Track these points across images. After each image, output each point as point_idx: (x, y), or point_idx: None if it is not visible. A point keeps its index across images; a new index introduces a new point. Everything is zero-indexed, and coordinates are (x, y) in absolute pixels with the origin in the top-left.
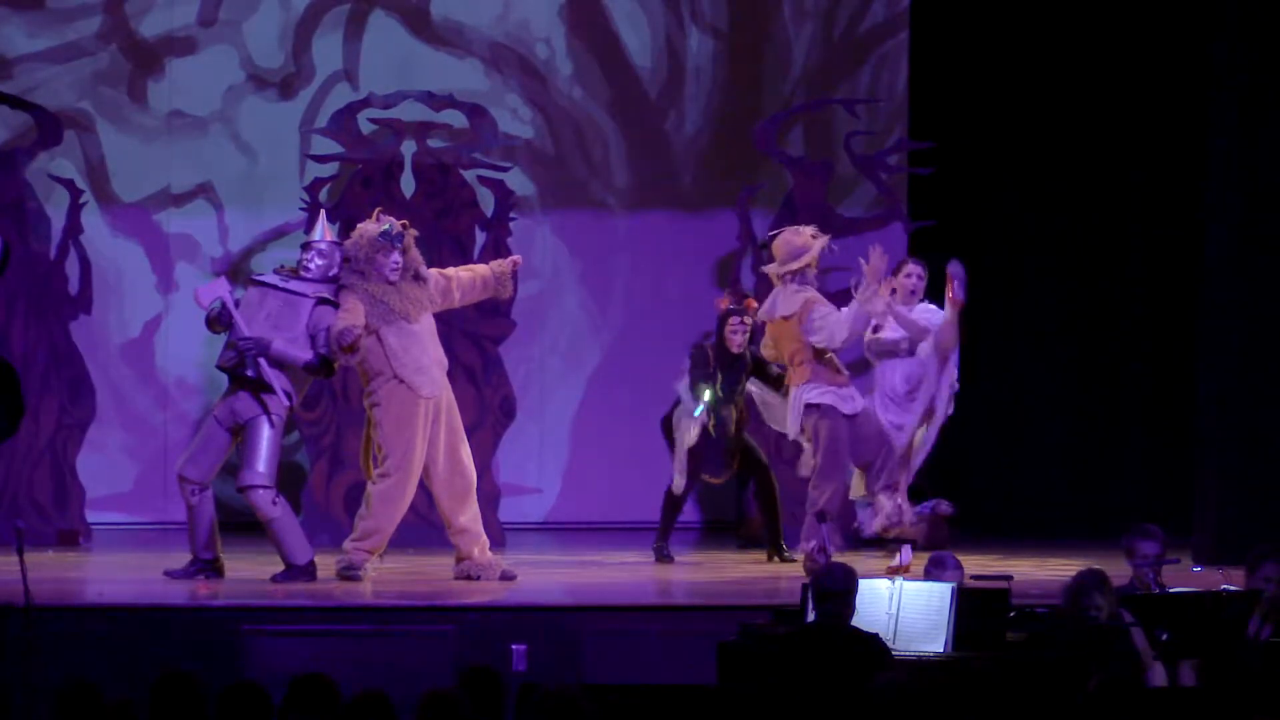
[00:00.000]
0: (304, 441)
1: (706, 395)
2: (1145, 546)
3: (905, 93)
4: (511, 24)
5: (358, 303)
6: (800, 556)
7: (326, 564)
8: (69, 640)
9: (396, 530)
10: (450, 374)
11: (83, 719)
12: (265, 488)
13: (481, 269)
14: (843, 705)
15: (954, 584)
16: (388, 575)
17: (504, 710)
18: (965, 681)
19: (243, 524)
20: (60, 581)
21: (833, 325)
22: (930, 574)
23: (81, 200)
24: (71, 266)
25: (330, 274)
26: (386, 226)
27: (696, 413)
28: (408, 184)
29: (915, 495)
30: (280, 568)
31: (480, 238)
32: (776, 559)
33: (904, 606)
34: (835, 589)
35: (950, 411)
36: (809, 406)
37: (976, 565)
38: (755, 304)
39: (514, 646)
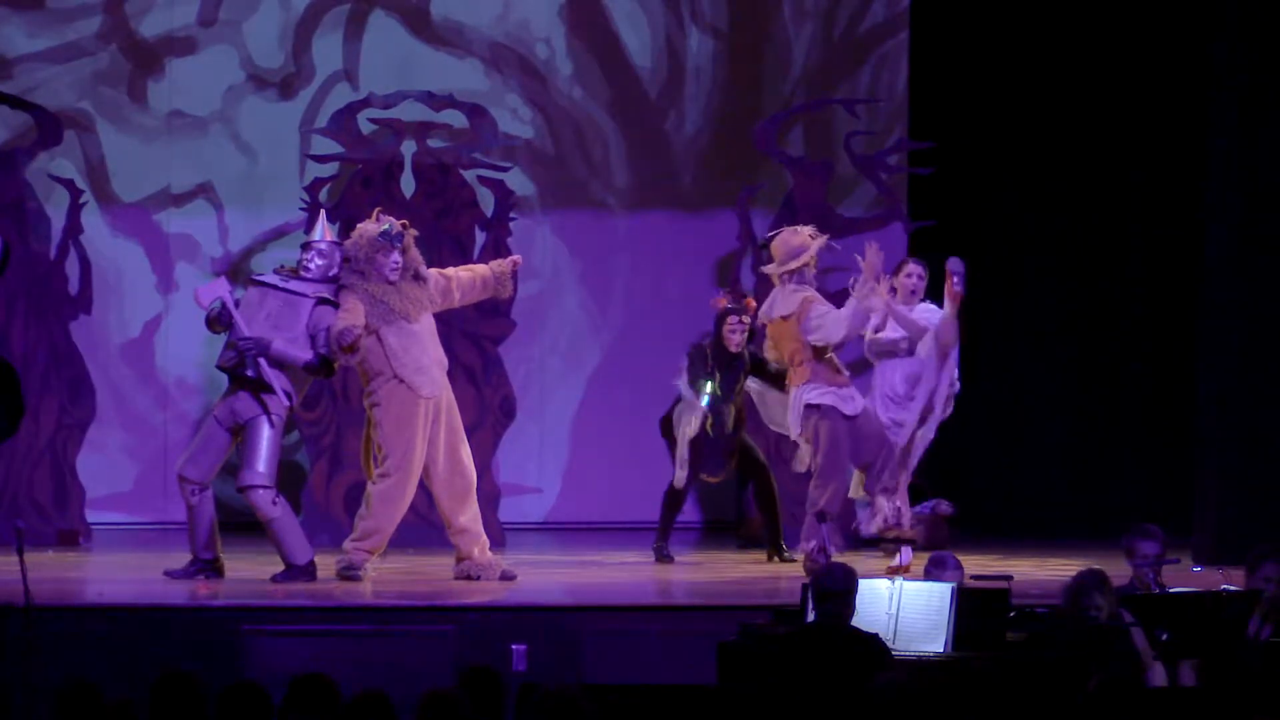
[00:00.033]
0: (304, 441)
1: (709, 387)
2: (1145, 546)
3: (905, 93)
4: (511, 24)
5: (358, 303)
6: (800, 556)
7: (326, 564)
8: (69, 640)
9: (396, 530)
10: (450, 374)
11: (83, 719)
12: (265, 488)
13: (481, 269)
14: (843, 705)
15: (954, 584)
16: (388, 575)
17: (504, 710)
18: (965, 681)
19: (243, 524)
20: (60, 581)
21: (830, 323)
22: (930, 574)
23: (81, 200)
24: (71, 266)
25: (330, 274)
26: (386, 226)
27: (704, 402)
28: (408, 184)
29: (915, 495)
30: (280, 568)
31: (480, 238)
32: (776, 559)
33: (904, 606)
34: (835, 589)
35: (949, 412)
36: (809, 407)
37: (976, 565)
38: (754, 303)
39: (514, 646)
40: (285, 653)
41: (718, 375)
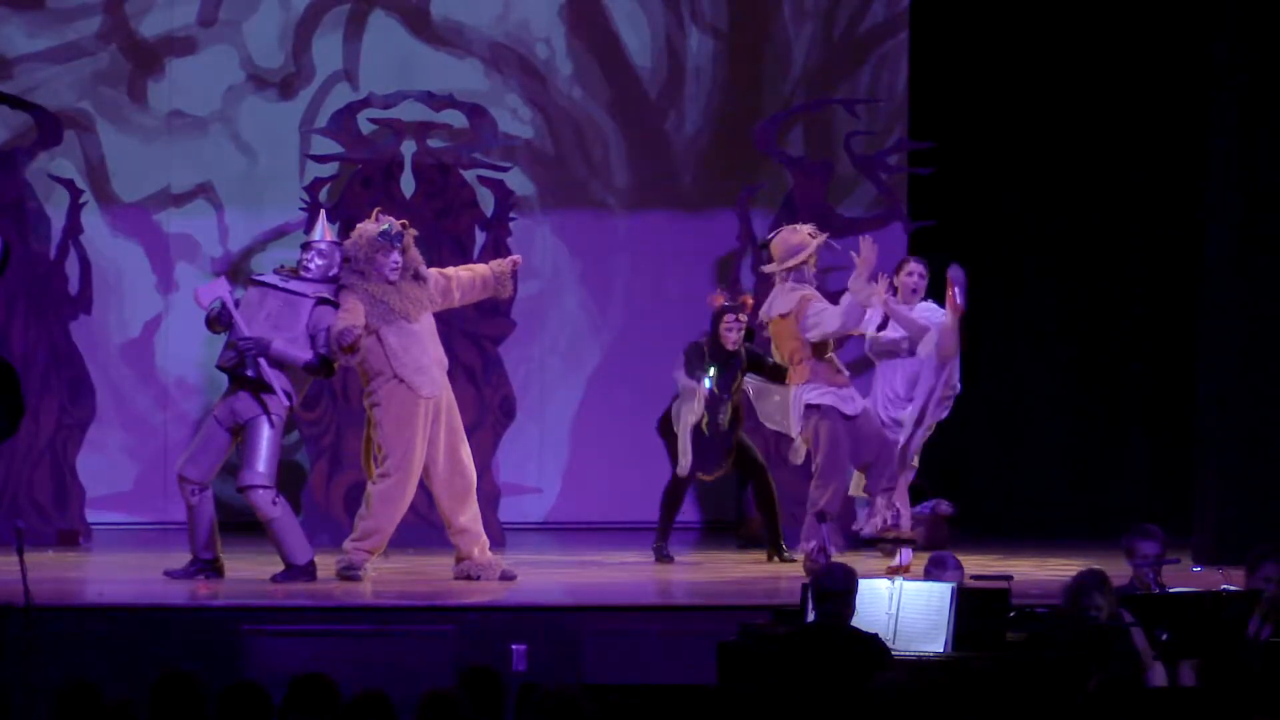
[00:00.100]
0: (304, 441)
1: (712, 372)
2: (1145, 546)
3: (905, 93)
4: (511, 24)
5: (358, 303)
6: (800, 556)
7: (326, 564)
8: (69, 640)
9: (396, 530)
10: (450, 374)
11: (83, 719)
12: (265, 488)
13: (481, 269)
14: (843, 705)
15: (954, 584)
16: (388, 575)
17: (504, 710)
18: (965, 681)
19: (243, 524)
20: (60, 581)
21: (826, 318)
22: (930, 574)
23: (81, 200)
24: (71, 266)
25: (330, 274)
26: (386, 226)
27: (707, 383)
28: (408, 184)
29: (915, 495)
30: (280, 568)
31: (480, 238)
32: (776, 559)
33: (904, 606)
34: (835, 589)
35: (944, 415)
36: (809, 407)
37: (976, 565)
38: (750, 301)
39: (514, 646)
40: (285, 653)
41: (714, 369)
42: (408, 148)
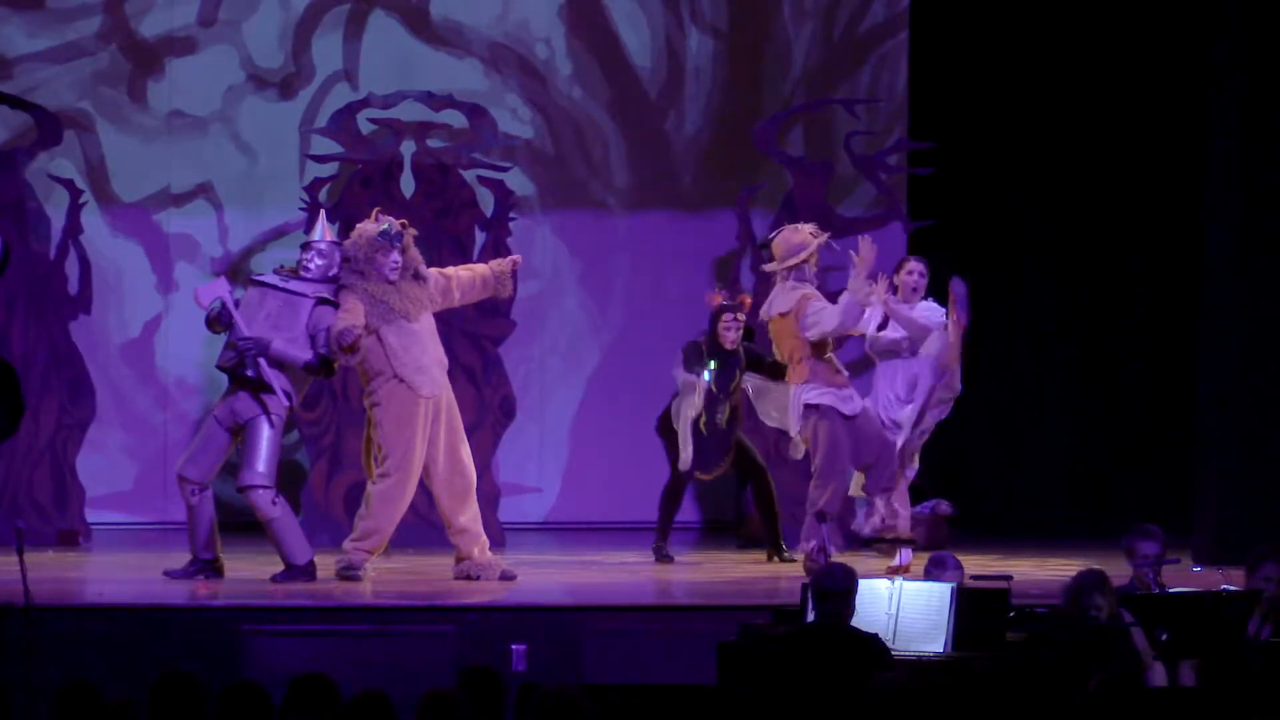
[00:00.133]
0: (304, 441)
1: (712, 365)
2: (1145, 546)
3: (905, 93)
4: (511, 24)
5: (357, 303)
6: (800, 556)
7: (326, 564)
8: (69, 640)
9: (396, 530)
10: (450, 374)
11: (83, 719)
12: (265, 488)
13: (481, 268)
14: (843, 705)
15: (954, 584)
16: (388, 575)
17: (504, 710)
18: (965, 681)
19: (243, 524)
20: (60, 581)
21: (824, 317)
22: (930, 574)
23: (81, 200)
24: (71, 266)
25: (330, 274)
26: (385, 226)
27: (706, 376)
28: (407, 184)
29: (915, 495)
30: (280, 568)
31: (480, 238)
32: (776, 559)
33: (904, 606)
34: (835, 589)
35: (944, 415)
36: (808, 407)
37: (976, 565)
38: (748, 299)
39: (514, 646)
40: (285, 653)
41: (714, 362)
42: (407, 148)
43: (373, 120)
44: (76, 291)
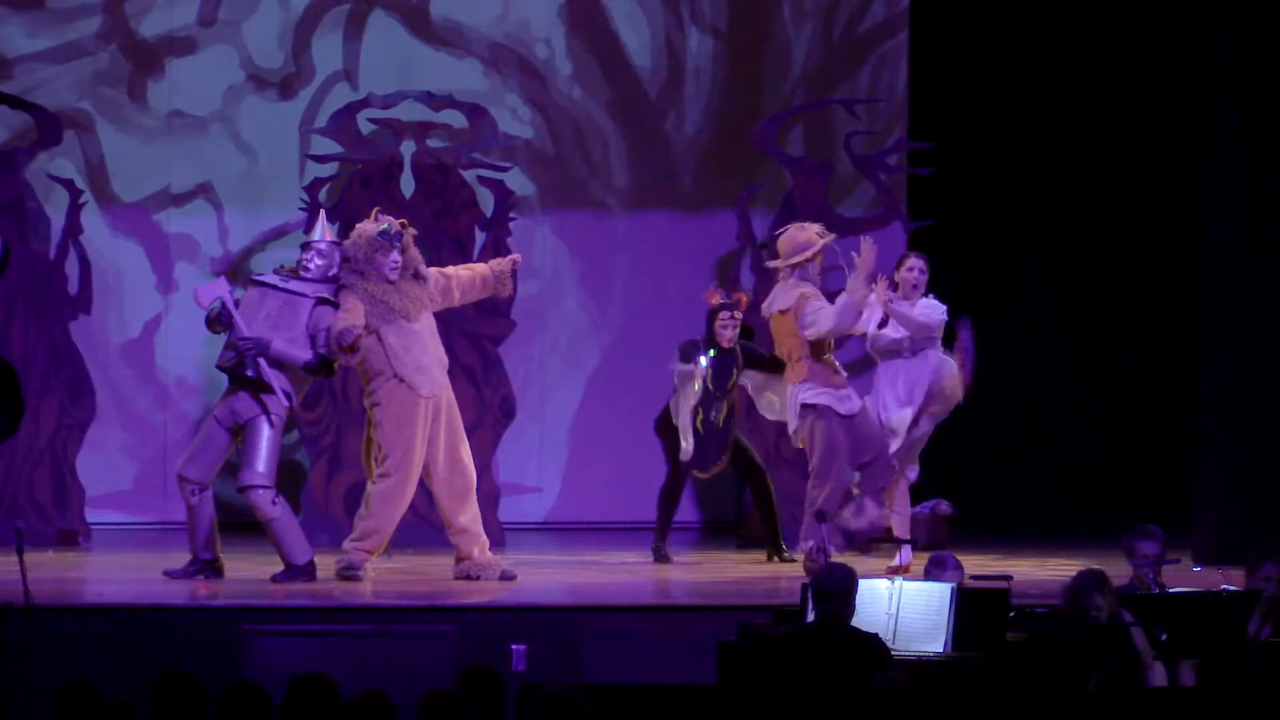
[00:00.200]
0: (304, 441)
1: (711, 352)
2: (1145, 546)
3: (905, 93)
4: (511, 24)
5: (357, 303)
6: (800, 556)
7: (326, 564)
8: (69, 640)
9: (396, 530)
10: (450, 374)
11: (83, 719)
12: (265, 488)
13: (481, 268)
14: (843, 705)
15: (954, 584)
16: (388, 575)
17: (504, 710)
18: (965, 681)
19: (243, 524)
20: (60, 581)
21: (822, 316)
22: (930, 574)
23: (81, 200)
24: (71, 266)
25: (330, 274)
26: (385, 226)
27: (703, 362)
28: (407, 184)
29: (915, 495)
30: (280, 568)
31: (480, 238)
32: (776, 559)
33: (904, 606)
34: (835, 589)
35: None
36: (805, 407)
37: (976, 565)
38: (745, 298)
39: (514, 646)
40: (285, 653)
41: (710, 372)
42: (407, 148)
43: (373, 120)
44: (76, 291)
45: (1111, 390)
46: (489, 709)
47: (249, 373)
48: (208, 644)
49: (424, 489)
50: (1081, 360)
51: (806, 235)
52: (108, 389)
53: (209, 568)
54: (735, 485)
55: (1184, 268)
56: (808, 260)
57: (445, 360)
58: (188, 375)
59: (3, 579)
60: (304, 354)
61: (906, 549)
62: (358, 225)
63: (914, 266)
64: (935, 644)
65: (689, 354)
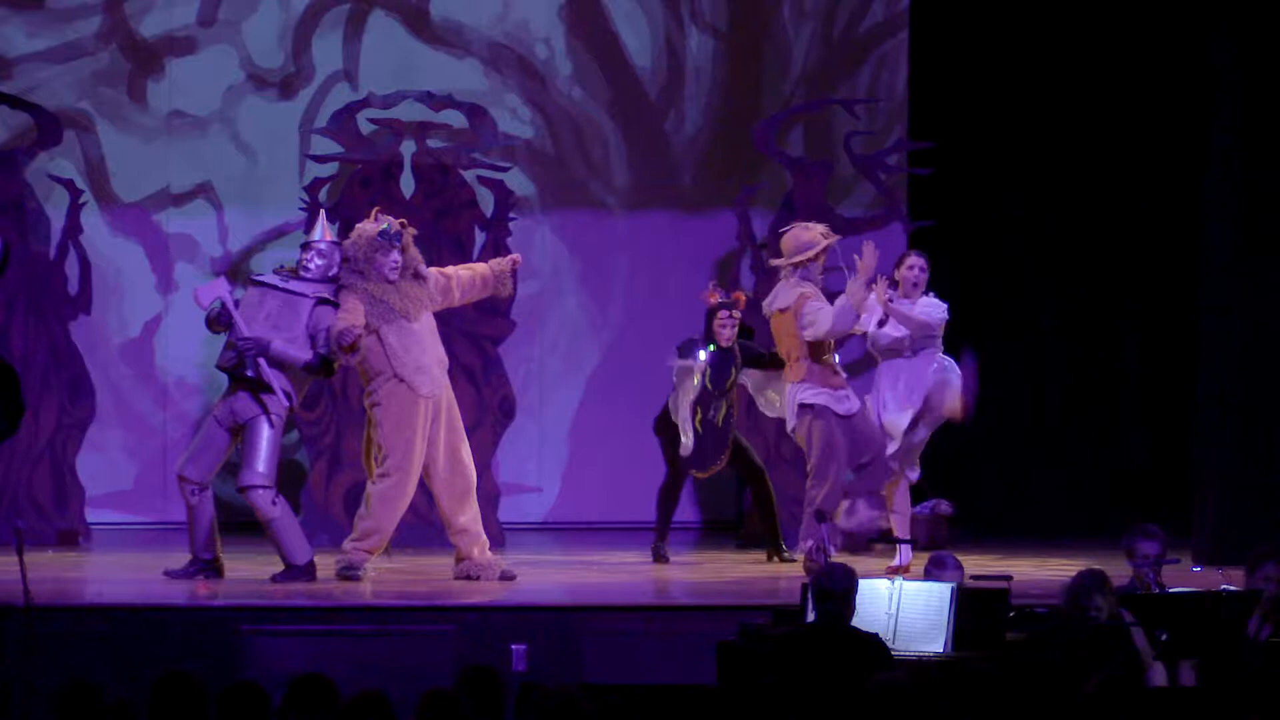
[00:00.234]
0: (304, 441)
1: (711, 346)
2: (1145, 546)
3: (905, 93)
4: (511, 24)
5: (357, 303)
6: (800, 557)
7: (326, 564)
8: (69, 640)
9: (396, 530)
10: (450, 374)
11: (82, 719)
12: (265, 488)
13: (481, 267)
14: (842, 705)
15: (954, 584)
16: (388, 575)
17: (504, 710)
18: (965, 681)
19: (243, 524)
20: (60, 581)
21: (820, 318)
22: (930, 574)
23: (81, 200)
24: (71, 266)
25: (330, 274)
26: (385, 226)
27: (702, 356)
28: (407, 184)
29: (915, 495)
30: (280, 568)
31: (480, 238)
32: (776, 559)
33: (904, 606)
34: (835, 589)
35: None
36: (802, 406)
37: (976, 565)
38: (744, 296)
39: (514, 646)
40: (285, 653)
41: (708, 370)
42: (407, 148)
43: (373, 120)
44: (76, 291)
45: (1111, 390)
46: (489, 709)
47: (249, 373)
48: (207, 644)
49: (424, 489)
50: (1081, 360)
51: (810, 235)
52: (107, 389)
53: (209, 568)
54: (735, 485)
55: (1184, 268)
56: (810, 260)
57: (445, 360)
58: (188, 375)
59: (3, 579)
60: (304, 354)
61: (906, 549)
62: (358, 225)
63: (914, 265)
64: (935, 644)
65: (687, 352)
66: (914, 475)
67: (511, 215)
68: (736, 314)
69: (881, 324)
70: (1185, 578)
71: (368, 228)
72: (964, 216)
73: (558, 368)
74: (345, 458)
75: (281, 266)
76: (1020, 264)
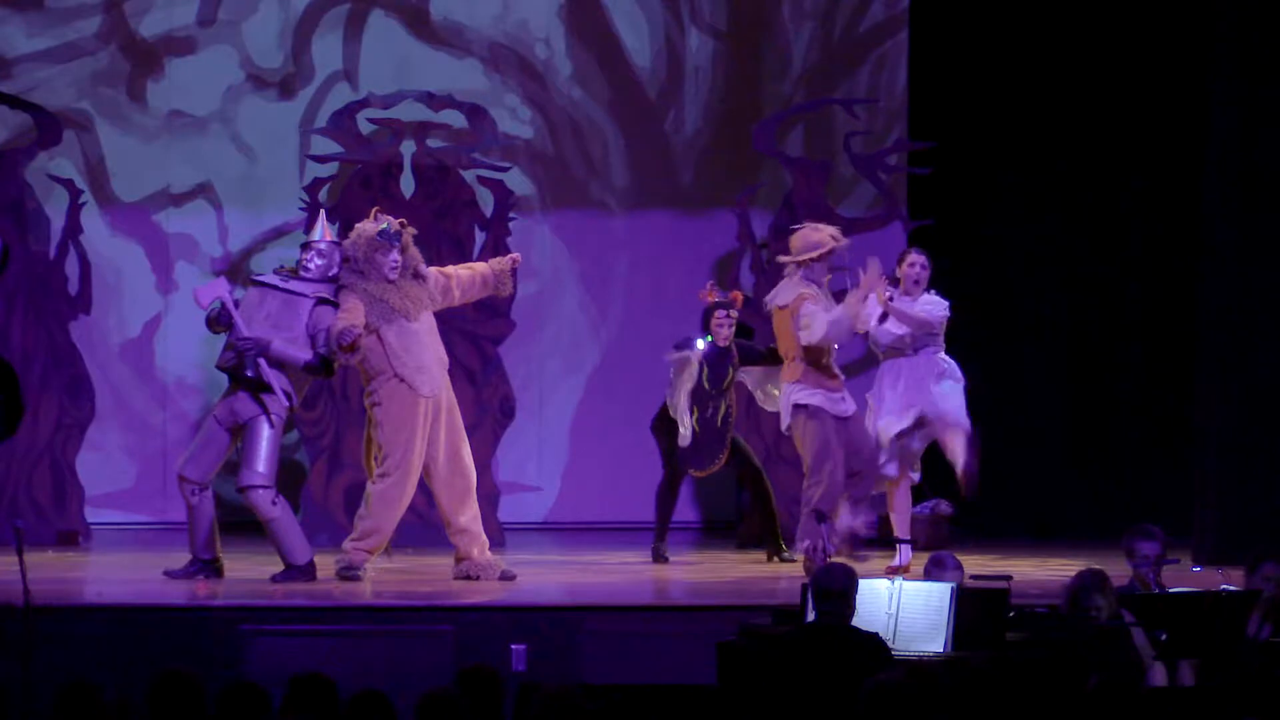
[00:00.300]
0: (304, 441)
1: (709, 337)
2: (1145, 546)
3: (905, 93)
4: (511, 24)
5: (357, 302)
6: (800, 557)
7: (326, 564)
8: (69, 640)
9: (396, 530)
10: (450, 374)
11: (82, 719)
12: (265, 488)
13: (481, 267)
14: (842, 705)
15: (954, 584)
16: (388, 575)
17: (503, 710)
18: (965, 681)
19: (243, 524)
20: (60, 581)
21: (815, 323)
22: (930, 574)
23: (81, 200)
24: (71, 266)
25: (330, 274)
26: (384, 225)
27: (700, 345)
28: (407, 184)
29: (915, 495)
30: (280, 568)
31: (480, 237)
32: (776, 559)
33: (904, 606)
34: (835, 589)
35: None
36: (797, 407)
37: (976, 565)
38: (741, 296)
39: (513, 646)
40: (285, 653)
41: (705, 369)
42: (407, 148)
43: (372, 120)
44: (76, 291)
45: (1111, 390)
46: (488, 709)
47: (249, 373)
48: (207, 644)
49: (424, 489)
50: (1081, 360)
51: (820, 236)
52: (107, 389)
53: (209, 568)
54: (734, 485)
55: (1183, 267)
56: (814, 259)
57: (445, 360)
58: (188, 375)
59: (3, 579)
60: (304, 354)
61: (906, 549)
62: (357, 225)
63: (915, 262)
64: (935, 644)
65: (684, 347)
66: (915, 476)
67: (511, 215)
68: (733, 313)
69: (882, 321)
70: (1185, 578)
71: (367, 228)
72: (964, 216)
73: (558, 368)
74: (345, 458)
75: (281, 266)
76: (1020, 264)
